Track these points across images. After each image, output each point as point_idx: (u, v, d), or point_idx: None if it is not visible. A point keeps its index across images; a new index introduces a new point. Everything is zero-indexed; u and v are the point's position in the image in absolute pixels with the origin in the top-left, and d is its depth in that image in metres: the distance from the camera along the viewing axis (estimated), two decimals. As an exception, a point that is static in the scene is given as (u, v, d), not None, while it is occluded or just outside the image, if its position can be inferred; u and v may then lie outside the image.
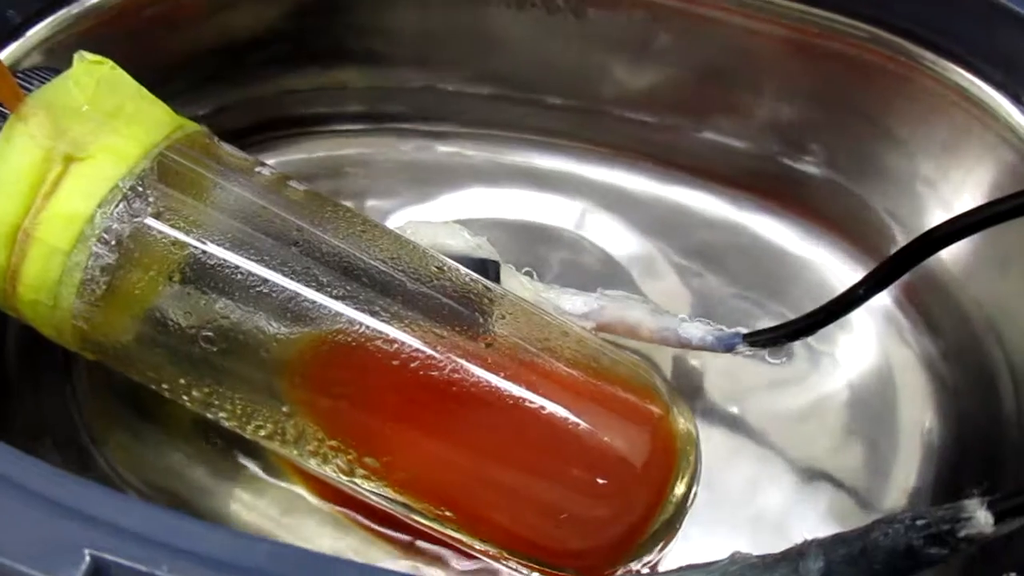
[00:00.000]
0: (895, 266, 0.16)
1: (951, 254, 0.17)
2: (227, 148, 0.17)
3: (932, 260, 0.16)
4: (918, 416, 0.18)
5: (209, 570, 0.10)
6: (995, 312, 0.17)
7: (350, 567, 0.11)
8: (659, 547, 0.17)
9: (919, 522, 0.12)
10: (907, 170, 0.18)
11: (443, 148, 0.22)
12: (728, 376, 0.19)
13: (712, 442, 0.19)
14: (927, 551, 0.12)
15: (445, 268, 0.17)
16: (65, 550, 0.10)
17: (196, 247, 0.15)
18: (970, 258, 0.17)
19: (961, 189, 0.17)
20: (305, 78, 0.21)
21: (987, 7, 0.16)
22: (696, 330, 0.19)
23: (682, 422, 0.17)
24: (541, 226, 0.21)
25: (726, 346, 0.18)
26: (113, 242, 0.15)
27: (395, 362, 0.16)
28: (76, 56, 0.16)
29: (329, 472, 0.16)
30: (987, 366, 0.17)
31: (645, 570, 0.17)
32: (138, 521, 0.11)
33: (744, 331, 0.18)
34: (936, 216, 0.16)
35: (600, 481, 0.16)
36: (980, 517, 0.12)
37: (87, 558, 0.10)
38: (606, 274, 0.20)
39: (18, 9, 0.17)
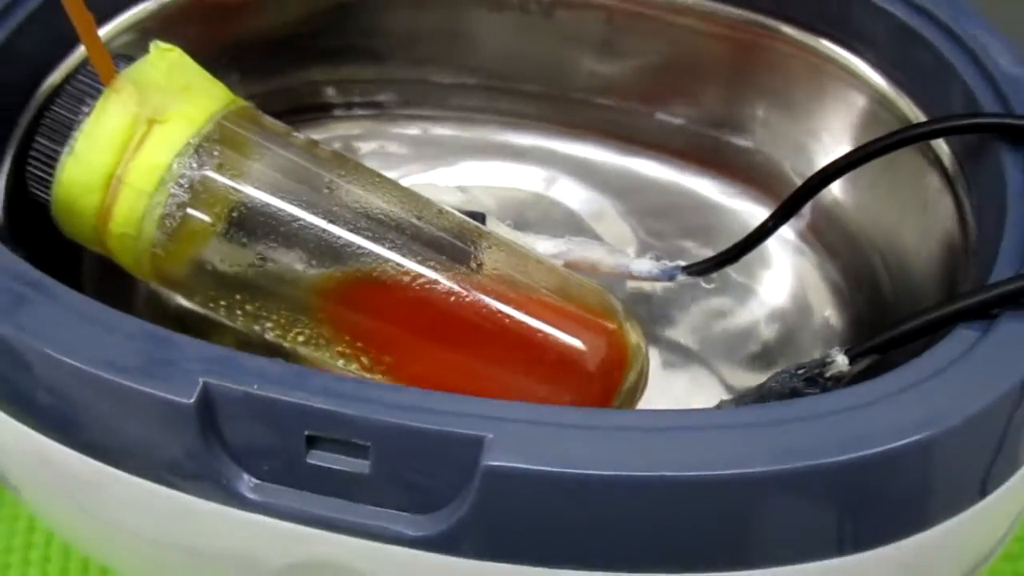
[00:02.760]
0: (794, 202, 0.21)
1: (839, 191, 0.22)
2: (269, 119, 0.21)
3: (825, 197, 0.21)
4: (823, 319, 0.23)
5: (280, 385, 0.14)
6: (874, 232, 0.22)
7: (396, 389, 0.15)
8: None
9: (799, 371, 0.17)
10: (800, 131, 0.23)
11: (437, 129, 0.27)
12: (672, 303, 0.24)
13: (656, 356, 0.23)
14: (806, 391, 0.17)
15: (444, 211, 0.22)
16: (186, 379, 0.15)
17: (248, 192, 0.20)
18: (851, 192, 0.22)
19: (839, 140, 0.22)
20: (322, 72, 0.26)
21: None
22: (644, 265, 0.23)
23: (633, 335, 0.22)
24: (518, 189, 0.26)
25: (668, 275, 0.23)
26: (186, 186, 0.19)
27: (405, 280, 0.20)
28: (152, 44, 0.20)
29: (354, 370, 0.21)
30: (872, 274, 0.22)
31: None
32: (230, 358, 0.15)
33: (683, 264, 0.23)
34: (823, 163, 0.20)
35: (566, 371, 0.20)
36: (839, 360, 0.16)
37: (200, 382, 0.14)
38: (572, 225, 0.25)
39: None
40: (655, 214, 0.25)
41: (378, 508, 0.14)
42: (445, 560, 0.14)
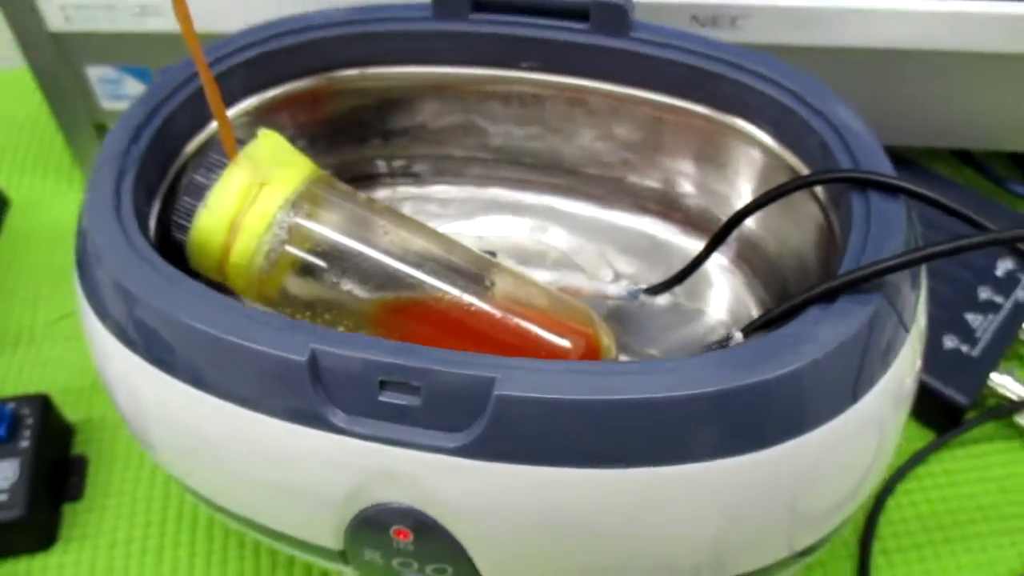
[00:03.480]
0: (720, 236, 0.28)
1: (756, 225, 0.30)
2: (339, 183, 0.29)
3: (746, 230, 0.29)
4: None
5: (361, 348, 0.22)
6: (784, 253, 0.29)
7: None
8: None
9: (713, 345, 0.24)
10: (724, 184, 0.31)
11: (459, 192, 0.35)
12: (639, 316, 0.31)
13: (625, 358, 0.31)
14: (718, 359, 0.24)
15: (466, 248, 0.29)
16: (301, 345, 0.22)
17: (326, 234, 0.28)
18: (765, 225, 0.30)
19: (750, 188, 0.30)
20: (373, 149, 0.34)
21: (757, 92, 0.29)
22: (615, 288, 0.31)
23: (605, 338, 0.29)
24: (520, 235, 0.34)
25: (633, 295, 0.30)
26: (284, 229, 0.27)
27: (438, 295, 0.28)
28: (260, 130, 0.28)
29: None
30: (785, 285, 0.29)
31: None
32: (327, 332, 0.22)
33: (644, 287, 0.31)
34: (739, 206, 0.28)
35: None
36: (737, 336, 0.24)
37: (310, 347, 0.22)
38: (561, 260, 0.33)
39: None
40: (623, 251, 0.33)
41: (426, 430, 0.22)
42: (471, 463, 0.22)
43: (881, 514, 0.34)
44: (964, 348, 0.37)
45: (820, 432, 0.22)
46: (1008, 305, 0.38)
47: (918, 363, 0.25)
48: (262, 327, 0.22)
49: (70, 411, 0.38)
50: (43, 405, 0.36)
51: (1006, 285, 0.39)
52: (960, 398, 0.35)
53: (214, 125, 0.30)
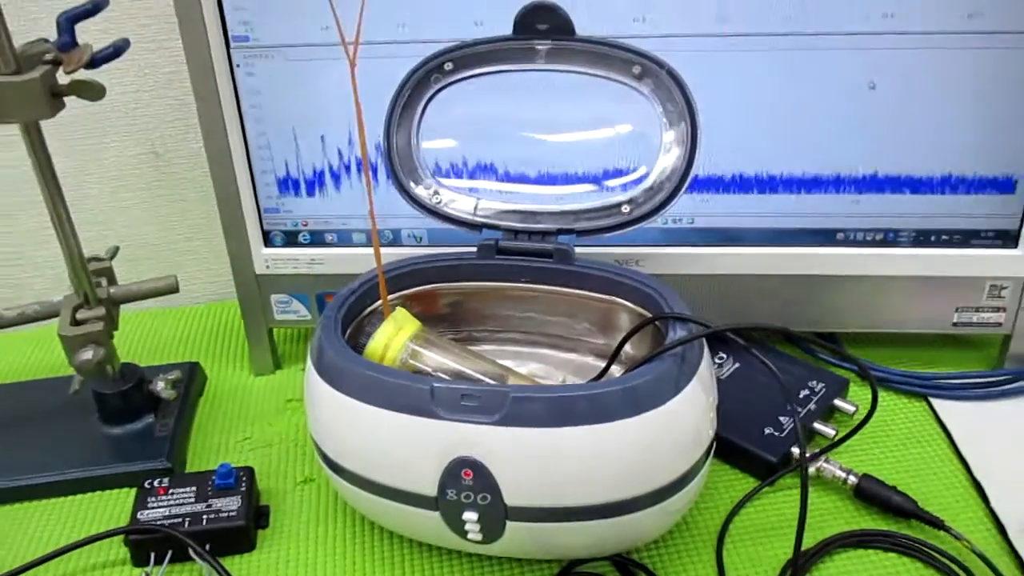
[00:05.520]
0: (614, 355, 0.58)
1: (630, 347, 0.60)
2: (432, 333, 0.60)
3: (627, 352, 0.59)
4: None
5: (452, 385, 0.51)
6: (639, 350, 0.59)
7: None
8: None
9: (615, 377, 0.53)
10: (611, 330, 0.61)
11: (487, 347, 0.65)
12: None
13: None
14: (611, 395, 0.53)
15: (496, 363, 0.59)
16: (426, 383, 0.52)
17: (427, 353, 0.58)
18: (634, 346, 0.60)
19: (624, 328, 0.60)
20: (449, 323, 0.65)
21: (634, 288, 0.60)
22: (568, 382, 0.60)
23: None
24: (518, 366, 0.64)
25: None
26: (408, 350, 0.57)
27: (484, 382, 0.57)
28: (398, 309, 0.60)
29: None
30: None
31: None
32: (436, 379, 0.52)
33: (583, 382, 0.60)
34: (619, 338, 0.58)
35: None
36: (616, 373, 0.53)
37: (431, 383, 0.51)
38: (539, 375, 0.62)
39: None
40: (571, 372, 0.63)
41: (480, 415, 0.50)
42: (500, 428, 0.50)
43: (729, 525, 0.60)
44: (776, 433, 0.65)
45: (657, 411, 0.50)
46: (802, 411, 0.66)
47: (705, 389, 0.53)
48: (403, 376, 0.52)
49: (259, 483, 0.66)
50: (251, 473, 0.64)
51: (803, 401, 0.67)
52: (772, 458, 0.63)
53: (377, 303, 0.61)
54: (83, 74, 0.56)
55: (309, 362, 0.56)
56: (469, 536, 0.53)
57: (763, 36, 0.63)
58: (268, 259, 0.74)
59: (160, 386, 0.69)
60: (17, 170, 0.85)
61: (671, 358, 0.52)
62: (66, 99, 0.57)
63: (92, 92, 0.55)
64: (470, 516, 0.52)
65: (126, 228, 0.89)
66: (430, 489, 0.52)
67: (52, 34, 0.58)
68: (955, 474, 0.64)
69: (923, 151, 0.66)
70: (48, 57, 0.56)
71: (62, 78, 0.56)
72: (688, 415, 0.52)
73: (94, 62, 0.58)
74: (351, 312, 0.60)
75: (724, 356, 0.72)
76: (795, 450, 0.63)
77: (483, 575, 0.58)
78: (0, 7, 0.54)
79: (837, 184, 0.68)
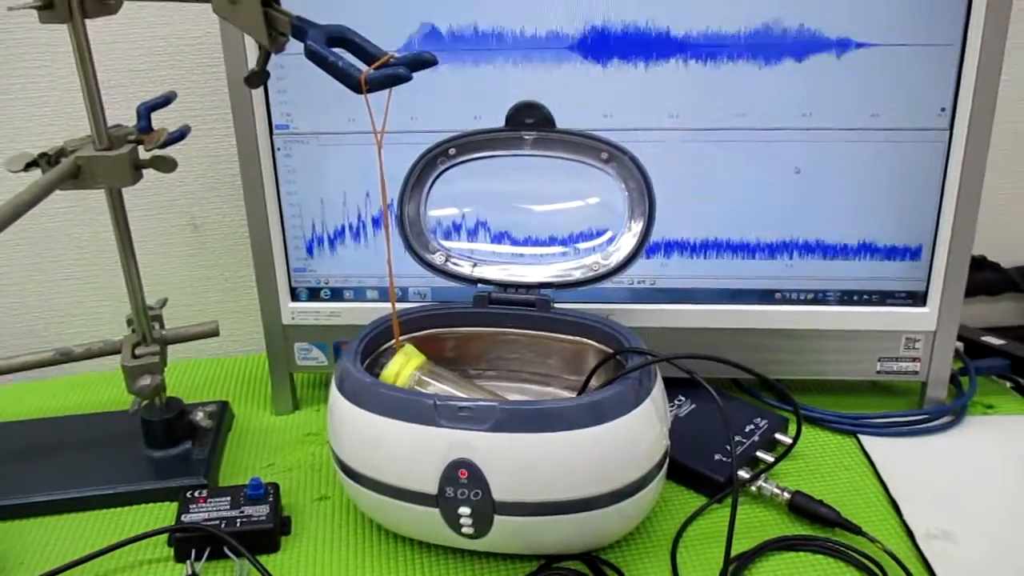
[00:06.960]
0: (589, 376, 0.70)
1: (602, 371, 0.72)
2: (437, 366, 0.72)
3: (602, 377, 0.71)
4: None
5: (453, 400, 0.63)
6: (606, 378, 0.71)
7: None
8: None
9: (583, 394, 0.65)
10: (583, 365, 0.73)
11: (485, 383, 0.77)
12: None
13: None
14: (581, 412, 0.65)
15: (487, 391, 0.71)
16: (429, 397, 0.64)
17: (431, 381, 0.70)
18: (606, 371, 0.72)
19: (593, 361, 0.72)
20: (453, 363, 0.77)
21: (602, 331, 0.73)
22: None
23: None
24: (507, 395, 0.75)
25: (556, 412, 0.71)
26: (415, 378, 0.69)
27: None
28: (407, 344, 0.72)
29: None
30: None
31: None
32: (439, 395, 0.64)
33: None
34: (591, 366, 0.70)
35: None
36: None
37: (434, 398, 0.63)
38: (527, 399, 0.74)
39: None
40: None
41: (474, 423, 0.62)
42: (490, 434, 0.62)
43: (683, 533, 0.71)
44: (724, 459, 0.76)
45: (616, 422, 0.62)
46: (747, 443, 0.78)
47: (657, 408, 0.65)
48: (411, 393, 0.64)
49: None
50: (276, 488, 0.75)
51: (748, 434, 0.79)
52: (719, 478, 0.74)
53: (391, 342, 0.73)
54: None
55: (333, 386, 0.68)
56: (463, 530, 0.64)
57: (708, 130, 0.77)
58: (294, 312, 0.87)
59: (199, 416, 0.80)
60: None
61: (629, 380, 0.64)
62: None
63: (167, 165, 0.69)
64: (464, 511, 0.63)
65: (161, 288, 1.03)
66: (431, 487, 0.63)
67: (111, 120, 0.72)
68: (876, 495, 0.75)
69: (842, 224, 0.80)
70: (131, 137, 0.70)
71: (142, 154, 0.70)
72: (643, 428, 0.64)
73: (165, 143, 0.72)
74: (368, 348, 0.72)
75: (683, 399, 0.85)
76: (742, 473, 0.75)
77: (473, 574, 0.68)
78: (101, 103, 0.68)
79: (773, 250, 0.81)
